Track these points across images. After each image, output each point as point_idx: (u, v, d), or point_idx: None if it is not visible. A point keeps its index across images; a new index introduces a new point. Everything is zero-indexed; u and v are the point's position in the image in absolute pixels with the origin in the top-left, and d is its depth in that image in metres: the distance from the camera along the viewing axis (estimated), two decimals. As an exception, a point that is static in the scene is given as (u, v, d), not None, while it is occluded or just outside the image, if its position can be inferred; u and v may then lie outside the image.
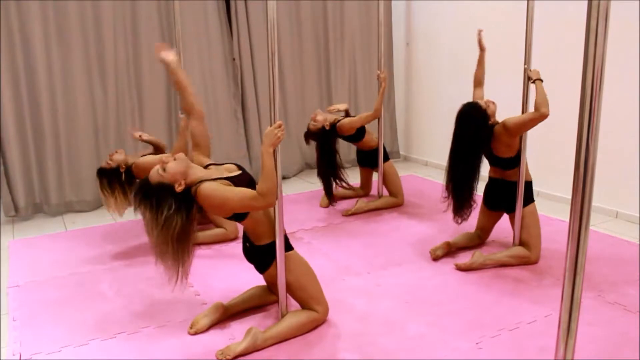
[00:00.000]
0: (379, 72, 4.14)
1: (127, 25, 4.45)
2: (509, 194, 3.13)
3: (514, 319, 2.54)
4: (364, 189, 4.58)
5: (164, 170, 2.18)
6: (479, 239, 3.42)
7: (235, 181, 2.29)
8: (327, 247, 3.47)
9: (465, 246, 3.38)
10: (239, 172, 2.42)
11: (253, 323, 2.54)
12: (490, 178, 3.26)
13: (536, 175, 3.56)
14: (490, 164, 3.19)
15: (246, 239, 2.49)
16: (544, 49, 3.80)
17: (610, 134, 3.73)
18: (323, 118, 4.07)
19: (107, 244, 3.66)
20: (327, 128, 4.03)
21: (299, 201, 4.50)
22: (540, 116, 2.84)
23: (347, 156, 5.70)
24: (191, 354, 2.33)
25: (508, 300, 2.74)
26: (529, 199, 3.13)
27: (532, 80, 2.94)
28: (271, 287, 2.60)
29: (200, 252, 3.46)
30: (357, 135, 4.19)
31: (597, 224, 3.76)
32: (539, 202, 3.52)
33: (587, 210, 1.31)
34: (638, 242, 3.46)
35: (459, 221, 3.16)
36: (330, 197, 4.18)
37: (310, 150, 5.60)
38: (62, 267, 3.28)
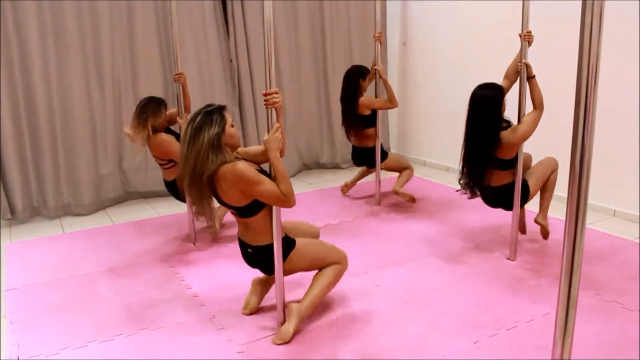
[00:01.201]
0: (375, 67, 4.15)
1: (123, 27, 4.45)
2: (504, 196, 3.16)
3: (512, 318, 2.54)
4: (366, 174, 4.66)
5: (232, 125, 2.28)
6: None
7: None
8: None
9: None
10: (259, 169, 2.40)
11: (251, 324, 2.54)
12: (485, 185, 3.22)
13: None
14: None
15: (245, 246, 2.45)
16: (540, 47, 3.80)
17: (608, 132, 3.74)
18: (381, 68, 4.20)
19: (105, 245, 3.66)
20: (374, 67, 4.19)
21: (296, 202, 4.49)
22: (541, 113, 2.94)
23: (345, 156, 5.71)
24: (190, 355, 2.33)
25: (506, 300, 2.74)
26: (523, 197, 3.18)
27: (529, 77, 2.95)
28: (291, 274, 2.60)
29: (198, 253, 3.46)
30: (368, 120, 4.20)
31: (594, 222, 3.77)
32: (535, 202, 3.53)
33: (582, 209, 1.31)
34: (636, 240, 3.47)
35: (469, 196, 3.16)
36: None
37: (308, 152, 5.62)
38: (60, 270, 3.27)
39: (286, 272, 2.48)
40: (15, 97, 4.11)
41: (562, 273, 1.37)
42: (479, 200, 3.31)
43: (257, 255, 2.43)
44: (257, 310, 2.67)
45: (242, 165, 2.20)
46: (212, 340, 2.44)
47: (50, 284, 3.09)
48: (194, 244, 3.61)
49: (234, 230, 3.85)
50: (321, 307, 2.70)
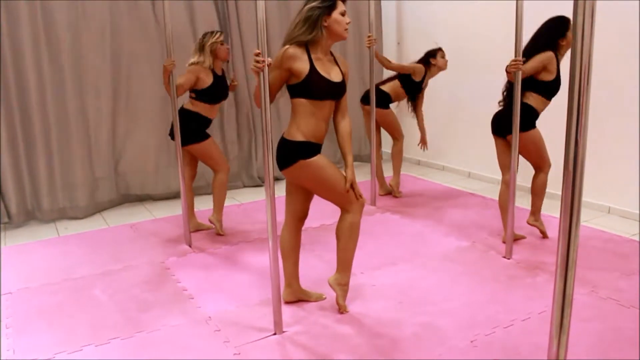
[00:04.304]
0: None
1: (117, 26, 4.43)
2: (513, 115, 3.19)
3: (508, 317, 2.55)
4: (370, 133, 4.54)
5: (342, 13, 2.45)
6: (506, 187, 3.33)
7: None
8: (320, 249, 3.47)
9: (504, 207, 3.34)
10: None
11: (248, 325, 2.54)
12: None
13: (527, 172, 3.58)
14: (527, 88, 3.24)
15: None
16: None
17: (602, 129, 3.76)
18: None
19: (100, 249, 3.64)
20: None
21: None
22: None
23: (340, 155, 5.69)
24: (186, 357, 2.32)
25: (502, 298, 2.75)
26: (529, 124, 3.21)
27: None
28: (292, 187, 2.62)
29: (193, 255, 3.45)
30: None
31: (589, 220, 3.77)
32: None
33: (577, 206, 1.31)
34: (629, 237, 3.48)
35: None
36: None
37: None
38: (55, 273, 3.26)
39: (288, 177, 2.53)
40: (8, 98, 4.08)
41: (557, 271, 1.38)
42: (474, 198, 3.31)
43: (280, 144, 2.48)
44: (256, 310, 2.68)
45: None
46: (209, 342, 2.43)
47: (45, 288, 3.07)
48: (190, 246, 3.60)
49: (230, 233, 3.85)
50: (317, 307, 2.70)
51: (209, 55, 3.52)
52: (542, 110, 3.29)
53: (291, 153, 2.43)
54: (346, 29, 2.45)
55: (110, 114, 4.51)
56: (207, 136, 3.63)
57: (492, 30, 4.67)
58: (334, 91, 2.47)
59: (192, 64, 3.54)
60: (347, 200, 2.53)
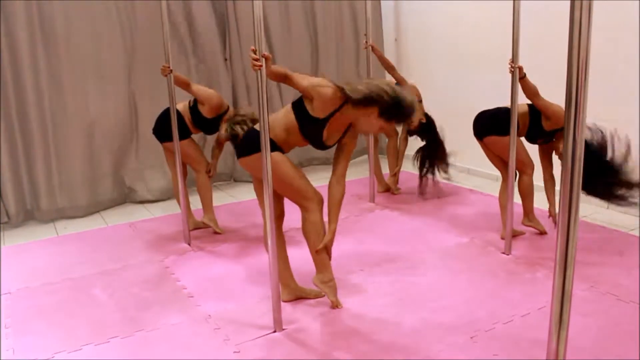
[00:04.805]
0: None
1: (117, 26, 4.42)
2: (493, 118, 3.27)
3: (507, 312, 2.55)
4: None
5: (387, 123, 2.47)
6: (505, 185, 3.33)
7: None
8: (321, 246, 3.47)
9: (503, 204, 3.33)
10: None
11: (248, 324, 2.54)
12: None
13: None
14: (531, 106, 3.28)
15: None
16: (532, 43, 3.82)
17: (600, 124, 3.75)
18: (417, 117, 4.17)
19: (99, 248, 3.64)
20: (424, 121, 4.24)
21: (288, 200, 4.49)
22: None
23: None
24: (186, 356, 2.32)
25: (501, 294, 2.75)
26: (508, 129, 3.09)
27: (521, 78, 2.98)
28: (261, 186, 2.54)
29: (192, 254, 3.45)
30: None
31: (588, 215, 3.78)
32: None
33: (576, 201, 1.31)
34: (628, 231, 3.48)
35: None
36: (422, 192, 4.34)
37: (302, 150, 5.61)
38: (54, 273, 3.25)
39: (245, 167, 2.55)
40: (5, 97, 4.06)
41: (557, 266, 1.38)
42: (473, 195, 3.32)
43: (244, 135, 2.52)
44: (256, 308, 2.68)
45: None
46: (208, 340, 2.43)
47: (45, 287, 3.07)
48: (189, 245, 3.60)
49: (229, 231, 3.85)
50: (316, 304, 2.70)
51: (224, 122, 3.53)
52: (521, 133, 3.27)
53: (254, 143, 2.39)
54: (370, 134, 2.48)
55: (109, 113, 4.49)
56: (187, 136, 3.64)
57: (490, 27, 4.66)
58: (318, 146, 2.55)
59: (222, 103, 3.58)
60: (303, 197, 2.53)
